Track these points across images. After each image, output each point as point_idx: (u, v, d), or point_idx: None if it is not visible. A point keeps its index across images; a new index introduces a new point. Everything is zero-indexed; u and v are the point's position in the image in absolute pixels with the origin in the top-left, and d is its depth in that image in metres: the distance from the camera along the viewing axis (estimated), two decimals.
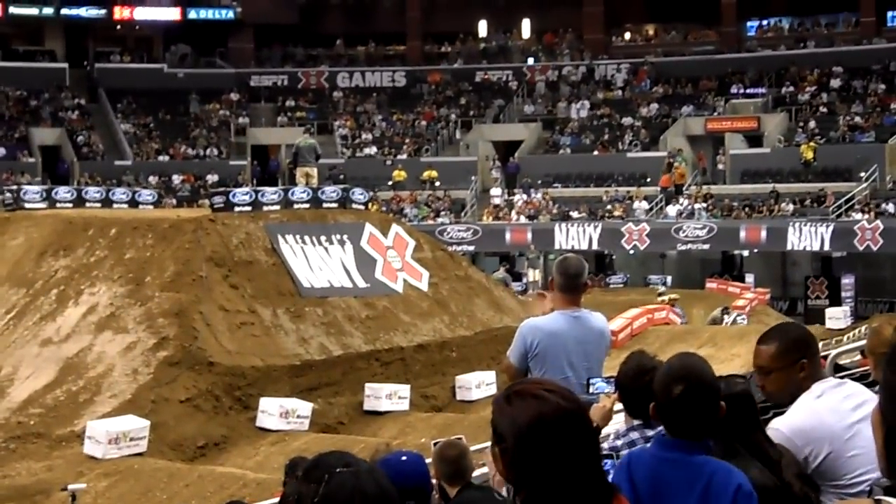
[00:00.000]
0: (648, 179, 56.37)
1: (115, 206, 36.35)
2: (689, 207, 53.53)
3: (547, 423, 3.23)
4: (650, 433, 5.95)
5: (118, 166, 61.64)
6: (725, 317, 41.31)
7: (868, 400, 5.30)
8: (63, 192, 37.21)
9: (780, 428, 5.19)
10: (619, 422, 7.22)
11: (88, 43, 70.44)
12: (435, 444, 7.19)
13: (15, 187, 40.49)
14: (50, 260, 30.61)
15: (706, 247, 51.25)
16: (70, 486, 15.79)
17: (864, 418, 5.12)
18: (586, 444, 3.27)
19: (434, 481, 6.91)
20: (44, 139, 63.64)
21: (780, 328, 5.67)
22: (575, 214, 54.76)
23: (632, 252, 53.10)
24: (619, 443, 6.38)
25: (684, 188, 55.07)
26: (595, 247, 52.87)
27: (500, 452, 3.29)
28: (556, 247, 53.53)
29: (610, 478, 4.62)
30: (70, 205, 35.58)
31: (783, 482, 4.73)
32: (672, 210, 53.66)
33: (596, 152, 60.50)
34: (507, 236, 54.03)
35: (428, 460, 6.98)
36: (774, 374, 5.22)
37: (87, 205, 35.97)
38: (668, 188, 55.04)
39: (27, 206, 35.02)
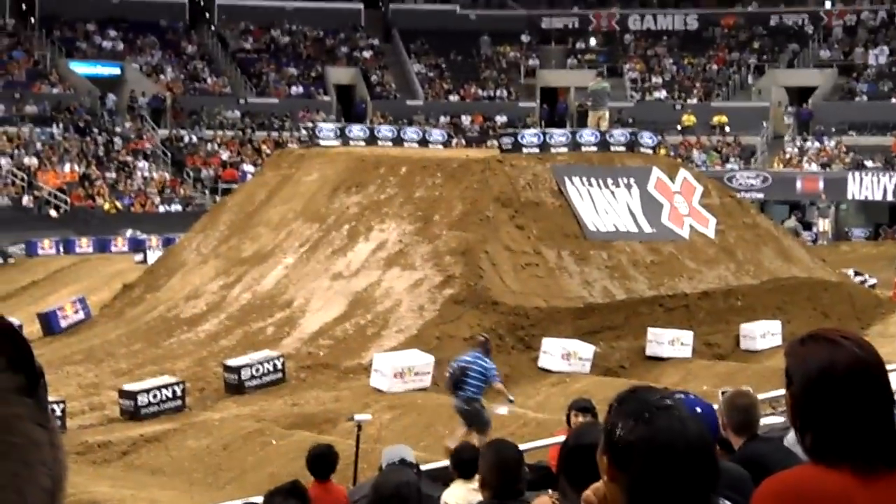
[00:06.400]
0: None
1: (405, 145, 36.88)
2: None
3: (838, 370, 3.13)
4: None
5: (410, 106, 62.63)
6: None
7: None
8: (356, 130, 37.94)
9: None
10: None
11: None
12: (724, 392, 7.08)
13: (310, 125, 41.55)
14: (342, 196, 31.33)
15: None
16: (356, 417, 16.15)
17: None
18: (878, 397, 3.16)
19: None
20: (339, 78, 65.17)
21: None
22: (869, 164, 53.12)
23: None
24: None
25: None
26: (890, 198, 51.25)
27: (789, 395, 3.21)
28: (849, 196, 52.14)
29: None
30: (363, 143, 36.29)
31: None
32: None
33: (893, 100, 58.49)
34: (798, 184, 52.82)
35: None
36: None
37: (379, 143, 36.61)
38: None
39: (321, 143, 35.87)
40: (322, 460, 11.35)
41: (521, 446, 9.91)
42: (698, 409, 5.61)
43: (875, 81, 60.26)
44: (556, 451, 10.88)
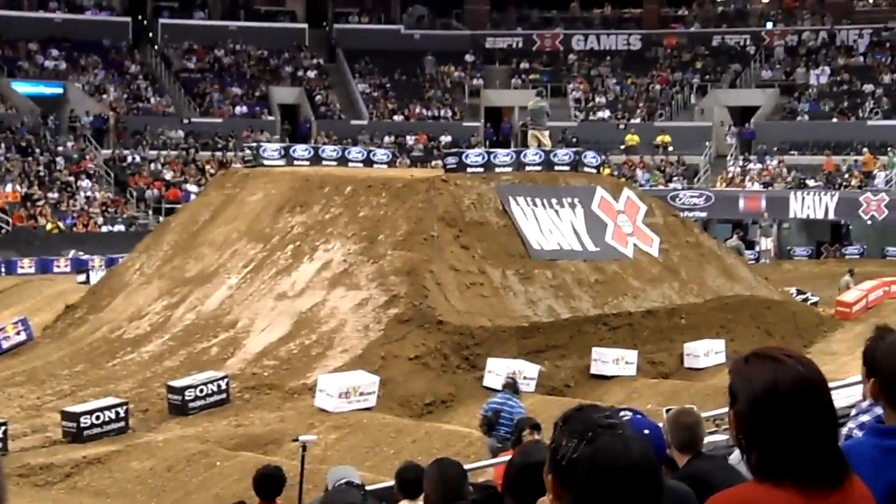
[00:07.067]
0: (889, 148, 54.70)
1: (350, 164, 36.84)
2: None
3: (782, 388, 3.15)
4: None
5: (354, 125, 62.62)
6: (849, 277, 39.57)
7: None
8: (300, 149, 37.86)
9: None
10: (851, 396, 6.97)
11: (327, 4, 71.61)
12: (667, 410, 7.10)
13: (255, 144, 41.46)
14: (287, 216, 31.27)
15: None
16: (301, 438, 16.11)
17: None
18: (822, 415, 3.18)
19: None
20: (283, 98, 65.06)
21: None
22: (811, 183, 53.57)
23: (869, 222, 51.71)
24: (866, 418, 6.07)
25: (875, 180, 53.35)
26: (831, 216, 51.67)
27: (733, 413, 3.23)
28: (791, 215, 52.53)
29: None
30: (307, 162, 36.20)
31: None
32: None
33: (835, 120, 59.05)
34: (741, 203, 53.19)
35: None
36: None
37: (324, 163, 36.54)
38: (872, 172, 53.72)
39: (266, 163, 35.77)
40: (269, 481, 11.29)
41: (467, 466, 9.91)
42: (646, 431, 5.62)
43: (816, 101, 60.78)
44: (501, 471, 10.90)
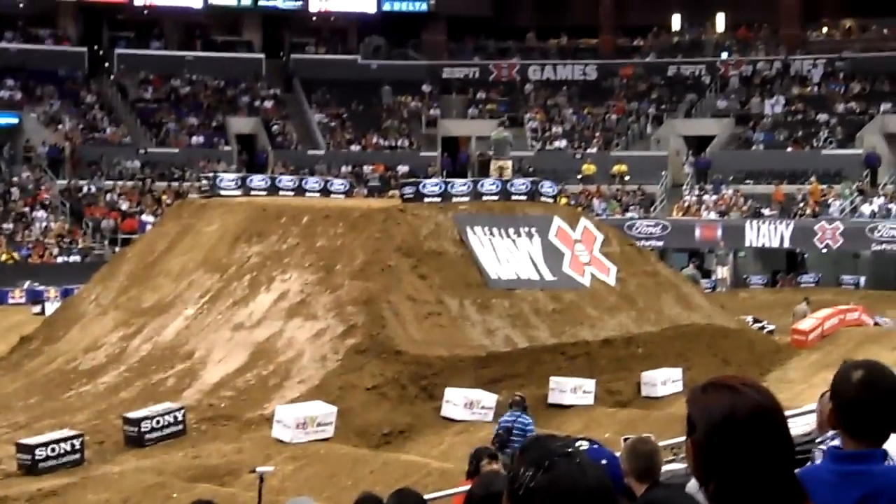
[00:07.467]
0: (843, 179, 55.11)
1: (307, 194, 36.75)
2: (886, 207, 52.27)
3: (740, 417, 3.17)
4: None
5: (311, 155, 62.61)
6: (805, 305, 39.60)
7: None
8: (257, 179, 37.77)
9: None
10: (807, 423, 6.98)
11: (284, 34, 71.62)
12: (625, 439, 7.11)
13: (211, 175, 41.32)
14: (243, 246, 31.18)
15: None
16: (258, 469, 16.07)
17: None
18: (778, 443, 3.20)
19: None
20: (240, 128, 64.96)
21: None
22: (766, 212, 53.89)
23: (824, 251, 52.04)
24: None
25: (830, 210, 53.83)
26: (787, 245, 52.00)
27: (690, 443, 3.24)
28: (747, 244, 52.83)
29: None
30: (264, 192, 36.10)
31: None
32: (867, 209, 52.47)
33: (790, 149, 59.44)
34: (697, 232, 53.45)
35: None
36: None
37: (281, 193, 36.44)
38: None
39: (222, 193, 35.64)
40: None
41: (425, 496, 9.89)
42: (604, 461, 5.60)
43: (771, 131, 61.19)
44: (460, 501, 10.85)
